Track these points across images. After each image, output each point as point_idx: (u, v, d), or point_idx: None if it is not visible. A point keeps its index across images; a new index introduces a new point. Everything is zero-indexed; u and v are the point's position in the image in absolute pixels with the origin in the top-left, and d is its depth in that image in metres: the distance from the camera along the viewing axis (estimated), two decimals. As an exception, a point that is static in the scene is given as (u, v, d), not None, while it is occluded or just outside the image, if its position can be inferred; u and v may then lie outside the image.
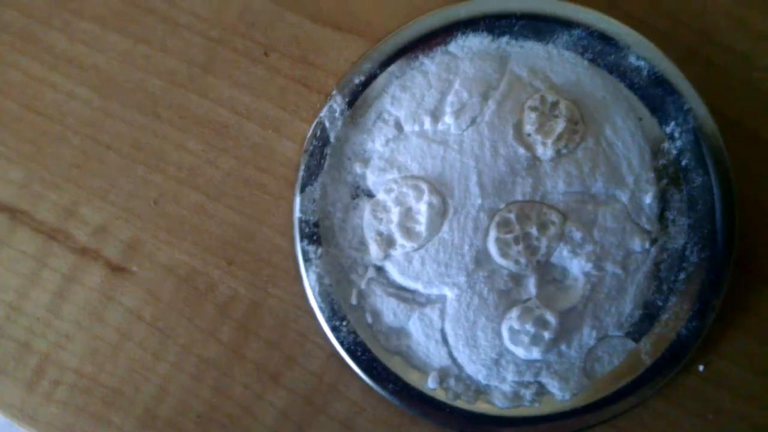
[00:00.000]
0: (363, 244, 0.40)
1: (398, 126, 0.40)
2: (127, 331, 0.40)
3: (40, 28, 0.42)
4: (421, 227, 0.39)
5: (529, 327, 0.38)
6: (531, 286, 0.38)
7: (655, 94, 0.40)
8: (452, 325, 0.39)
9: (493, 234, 0.38)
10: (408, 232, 0.39)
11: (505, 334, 0.38)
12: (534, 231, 0.38)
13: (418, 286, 0.39)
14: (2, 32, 0.42)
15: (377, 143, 0.40)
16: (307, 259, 0.39)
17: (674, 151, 0.40)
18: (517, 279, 0.38)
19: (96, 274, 0.41)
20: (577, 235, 0.38)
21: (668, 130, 0.40)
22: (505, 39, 0.40)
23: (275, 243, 0.41)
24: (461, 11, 0.40)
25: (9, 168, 0.41)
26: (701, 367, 0.40)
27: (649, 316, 0.39)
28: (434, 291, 0.39)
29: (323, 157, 0.40)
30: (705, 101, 0.39)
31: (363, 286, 0.40)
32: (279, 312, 0.40)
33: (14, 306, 0.41)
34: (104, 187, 0.41)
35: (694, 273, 0.39)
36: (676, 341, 0.39)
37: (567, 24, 0.40)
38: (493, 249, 0.38)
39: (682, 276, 0.39)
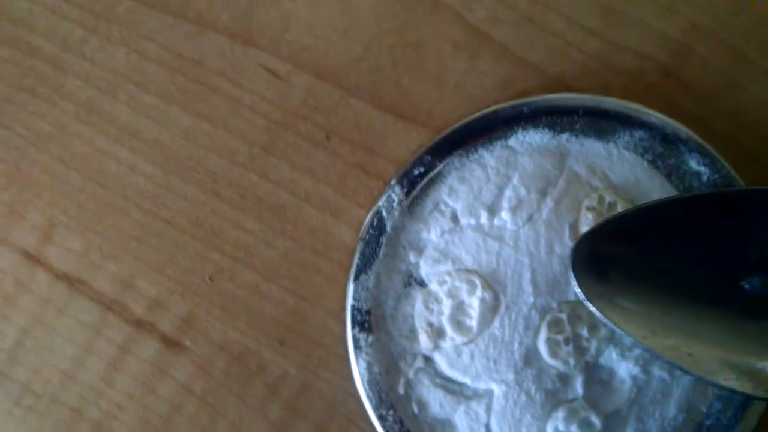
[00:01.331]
0: (413, 333, 0.43)
1: (454, 218, 0.43)
2: (178, 404, 0.44)
3: (104, 99, 0.45)
4: (473, 322, 0.41)
5: (574, 429, 0.40)
6: (578, 386, 0.41)
7: (713, 199, 0.42)
8: (498, 421, 0.41)
9: (543, 333, 0.41)
10: (459, 326, 0.41)
11: None
12: (585, 332, 0.41)
13: (466, 380, 0.42)
14: (67, 102, 0.45)
15: (432, 234, 0.43)
16: (357, 347, 0.42)
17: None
18: (564, 379, 0.41)
19: (150, 347, 0.44)
20: (627, 338, 0.40)
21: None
22: (565, 136, 0.43)
23: (327, 326, 0.43)
24: (524, 108, 0.42)
25: (70, 237, 0.45)
26: (743, 474, 0.42)
27: (692, 420, 0.41)
28: (482, 385, 0.42)
29: (379, 245, 0.43)
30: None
31: (411, 375, 0.42)
32: (327, 395, 0.43)
33: (69, 374, 0.44)
34: (162, 261, 0.44)
35: None
36: (719, 447, 0.42)
37: (629, 124, 0.42)
38: (543, 348, 0.41)
39: None
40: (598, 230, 0.39)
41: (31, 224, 0.44)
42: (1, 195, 0.45)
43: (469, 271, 0.41)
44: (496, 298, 0.41)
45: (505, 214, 0.41)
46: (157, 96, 0.44)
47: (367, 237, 0.42)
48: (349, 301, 0.42)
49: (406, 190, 0.42)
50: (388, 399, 0.42)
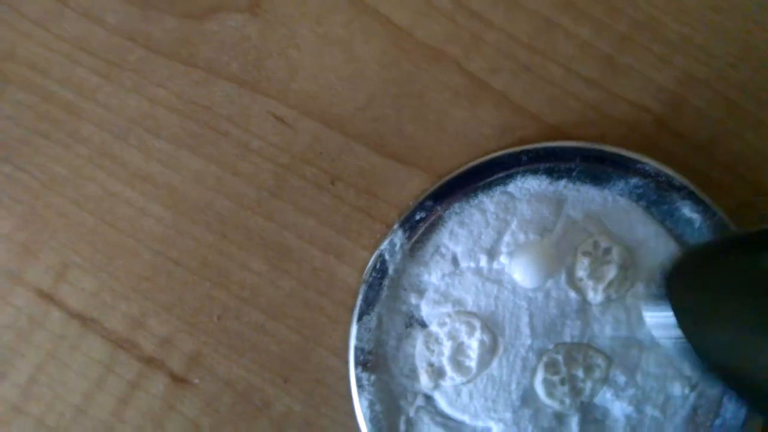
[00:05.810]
0: (414, 373, 0.47)
1: (455, 261, 0.47)
2: None
3: (117, 143, 0.50)
4: (472, 362, 0.46)
5: None
6: (573, 425, 0.45)
7: (705, 247, 0.46)
8: None
9: (540, 374, 0.45)
10: (458, 366, 0.46)
11: None
12: (580, 373, 0.45)
13: (465, 418, 0.46)
14: (82, 146, 0.50)
15: (433, 276, 0.47)
16: (360, 386, 0.46)
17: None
18: (560, 417, 0.45)
19: (159, 383, 0.48)
20: (621, 379, 0.45)
21: (716, 281, 0.46)
22: (563, 182, 0.47)
23: (329, 364, 0.48)
24: (523, 155, 0.47)
25: (82, 277, 0.49)
26: None
27: None
28: (480, 423, 0.46)
29: (381, 287, 0.47)
30: (755, 257, 0.45)
31: (412, 413, 0.46)
32: (330, 431, 0.47)
33: (81, 408, 0.49)
34: (171, 300, 0.49)
35: (730, 420, 0.45)
36: (711, 486, 0.46)
37: (625, 171, 0.46)
38: (539, 389, 0.45)
39: (718, 422, 0.45)
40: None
41: (46, 264, 0.49)
42: (16, 235, 0.49)
43: (468, 313, 0.46)
44: (495, 340, 0.45)
45: (503, 259, 0.46)
46: (168, 141, 0.49)
47: (370, 279, 0.46)
48: (352, 342, 0.46)
49: (407, 234, 0.46)
50: None
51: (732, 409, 0.45)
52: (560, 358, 0.44)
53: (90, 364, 0.48)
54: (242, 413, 0.47)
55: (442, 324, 0.46)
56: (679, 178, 0.45)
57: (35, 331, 0.49)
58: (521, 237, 0.46)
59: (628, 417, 0.45)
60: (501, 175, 0.46)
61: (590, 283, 0.45)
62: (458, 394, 0.45)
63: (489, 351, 0.45)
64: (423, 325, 0.47)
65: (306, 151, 0.48)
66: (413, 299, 0.47)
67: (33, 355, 0.49)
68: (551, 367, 0.44)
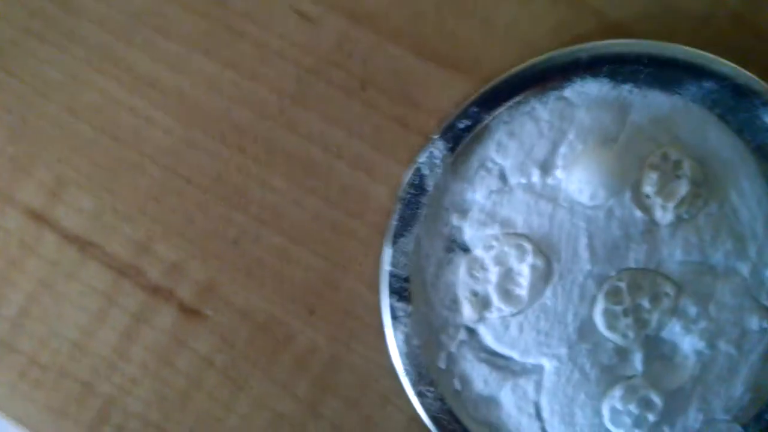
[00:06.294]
0: (455, 303, 0.43)
1: (503, 177, 0.43)
2: (197, 378, 0.44)
3: (119, 45, 0.45)
4: (522, 291, 0.41)
5: (633, 408, 0.40)
6: (637, 362, 0.41)
7: (788, 159, 0.42)
8: (548, 400, 0.41)
9: (600, 304, 0.41)
10: (507, 295, 0.42)
11: (606, 413, 0.41)
12: (646, 303, 0.41)
13: (514, 354, 0.42)
14: (78, 47, 0.45)
15: (478, 194, 0.43)
16: (395, 317, 0.42)
17: (806, 223, 0.42)
18: (622, 353, 0.41)
19: (167, 316, 0.45)
20: (692, 309, 0.41)
21: (801, 199, 0.42)
22: (627, 87, 0.43)
23: (361, 294, 0.44)
24: (582, 54, 0.42)
25: (80, 196, 0.45)
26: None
27: (759, 399, 0.41)
28: (531, 360, 0.42)
29: (419, 206, 0.43)
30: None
31: (453, 349, 0.43)
32: (360, 370, 0.44)
33: (79, 345, 0.45)
34: (181, 223, 0.45)
35: None
36: (787, 429, 0.42)
37: (697, 74, 0.42)
38: (599, 320, 0.41)
39: None
40: None
41: (38, 181, 0.45)
42: (5, 149, 0.45)
43: (518, 235, 0.41)
44: (549, 265, 0.41)
45: (560, 173, 0.41)
46: (178, 41, 0.45)
47: (407, 197, 0.42)
48: (386, 267, 0.42)
49: (449, 145, 0.42)
50: (428, 374, 0.42)
51: (816, 346, 0.41)
52: (623, 285, 0.40)
53: (89, 294, 0.45)
54: (261, 349, 0.44)
55: (488, 248, 0.42)
56: (759, 82, 0.41)
57: (27, 257, 0.45)
58: (579, 148, 0.41)
59: (698, 353, 0.41)
60: (556, 78, 0.42)
61: (658, 201, 0.40)
62: (506, 327, 0.41)
63: (542, 278, 0.41)
64: (466, 249, 0.43)
65: (333, 51, 0.44)
66: (455, 220, 0.43)
67: (24, 285, 0.45)
68: (613, 295, 0.40)
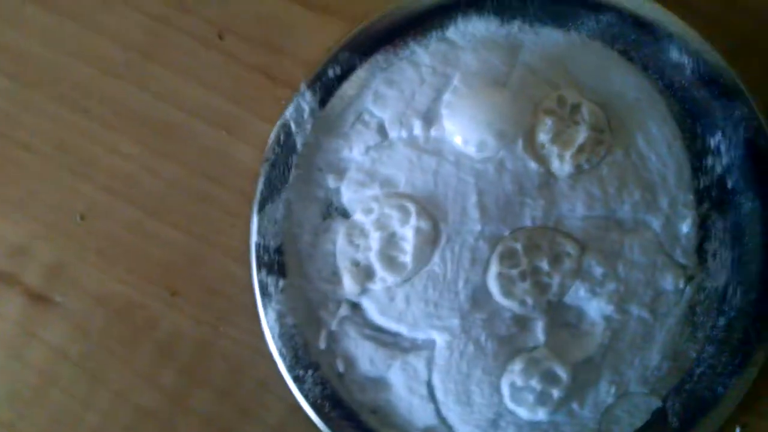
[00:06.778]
0: (335, 275, 0.40)
1: (382, 131, 0.40)
2: (51, 372, 0.42)
3: None
4: (407, 257, 0.39)
5: (535, 383, 0.38)
6: (539, 331, 0.39)
7: (699, 97, 0.39)
8: (441, 378, 0.39)
9: (494, 268, 0.38)
10: (391, 263, 0.39)
11: (506, 390, 0.38)
12: (545, 265, 0.38)
13: (402, 329, 0.39)
14: None
15: (355, 151, 0.40)
16: (265, 294, 0.39)
17: (719, 169, 0.39)
18: (522, 323, 0.39)
19: (13, 304, 0.42)
20: (598, 270, 0.38)
21: (713, 142, 0.39)
22: (516, 24, 0.41)
23: (229, 271, 0.41)
24: None
25: None
26: (738, 430, 0.40)
27: (679, 369, 0.39)
28: (420, 335, 0.39)
29: (288, 168, 0.40)
30: (760, 107, 0.38)
31: (334, 326, 0.40)
32: (233, 355, 0.41)
33: None
34: (21, 197, 0.42)
35: (736, 319, 0.40)
36: (711, 400, 0.39)
37: (594, 6, 0.40)
38: (494, 286, 0.38)
39: (721, 322, 0.40)
40: None
41: None
42: None
43: (401, 195, 0.39)
44: (435, 227, 0.38)
45: (445, 123, 0.38)
46: None
47: (274, 157, 0.39)
48: (254, 238, 0.39)
49: (319, 97, 0.39)
50: (307, 357, 0.39)
51: (738, 305, 0.38)
52: (519, 246, 0.38)
53: None
54: (120, 337, 0.41)
55: (368, 211, 0.39)
56: (664, 12, 0.39)
57: None
58: (465, 94, 0.38)
59: (607, 319, 0.38)
60: (437, 17, 0.40)
61: (555, 149, 0.38)
62: (391, 299, 0.39)
63: (428, 241, 0.38)
64: (345, 214, 0.40)
65: (185, -4, 0.42)
66: (331, 182, 0.40)
67: None
68: (508, 258, 0.38)
